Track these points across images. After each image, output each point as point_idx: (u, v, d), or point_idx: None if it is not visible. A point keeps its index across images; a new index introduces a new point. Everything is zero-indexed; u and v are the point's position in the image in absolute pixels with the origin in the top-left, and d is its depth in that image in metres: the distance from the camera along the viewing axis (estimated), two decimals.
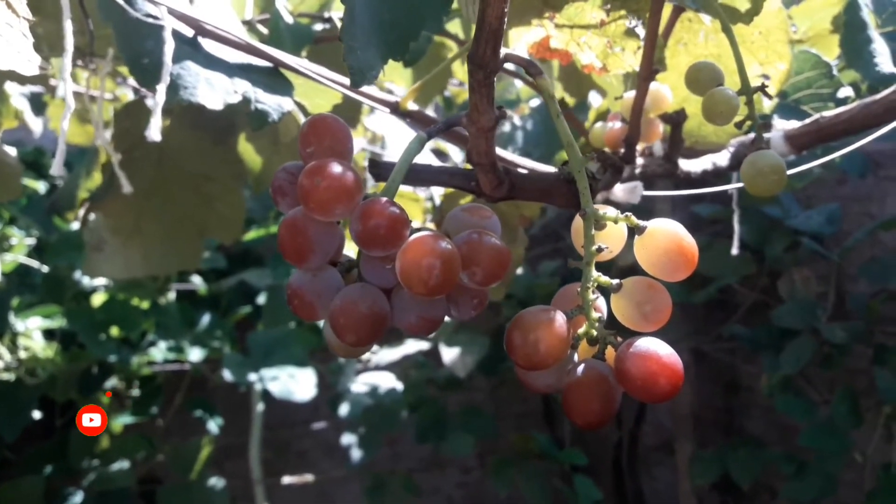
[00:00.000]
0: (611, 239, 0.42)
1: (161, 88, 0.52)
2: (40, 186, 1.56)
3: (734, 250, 1.15)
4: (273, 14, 0.74)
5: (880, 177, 2.02)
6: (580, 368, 0.40)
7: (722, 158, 0.90)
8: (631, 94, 0.71)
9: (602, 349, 0.40)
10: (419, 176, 0.55)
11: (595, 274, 0.41)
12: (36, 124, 1.29)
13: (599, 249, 0.41)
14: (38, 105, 1.24)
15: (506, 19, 0.40)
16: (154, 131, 0.52)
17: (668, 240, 0.41)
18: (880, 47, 1.16)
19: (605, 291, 0.42)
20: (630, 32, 0.64)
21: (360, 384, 1.81)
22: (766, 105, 1.16)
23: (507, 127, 1.22)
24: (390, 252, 0.40)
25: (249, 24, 0.87)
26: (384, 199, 0.40)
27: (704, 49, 0.82)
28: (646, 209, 2.09)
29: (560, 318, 0.39)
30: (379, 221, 0.39)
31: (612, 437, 2.37)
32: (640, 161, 0.79)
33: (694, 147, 0.89)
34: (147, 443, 1.73)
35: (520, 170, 0.67)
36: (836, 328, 1.67)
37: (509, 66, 0.46)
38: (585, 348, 0.41)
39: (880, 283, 1.85)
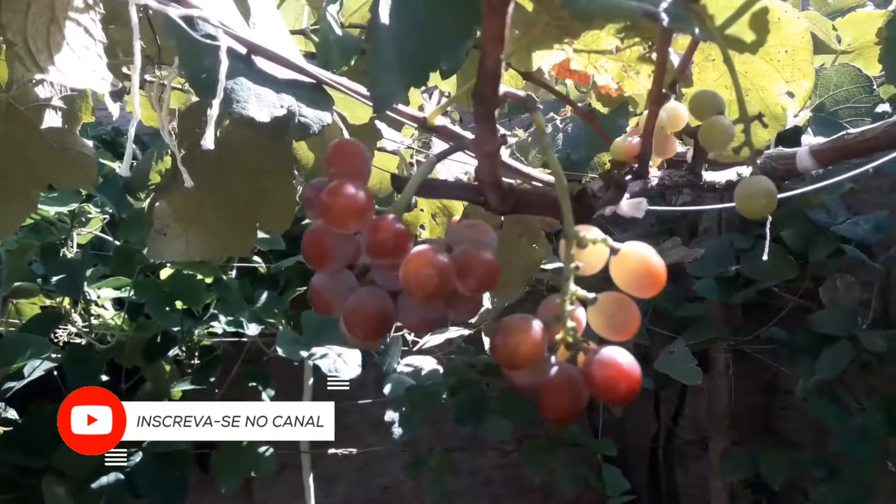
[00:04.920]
0: (593, 257, 0.48)
1: (216, 103, 0.59)
2: (116, 166, 1.66)
3: (765, 256, 1.18)
4: (322, 27, 0.81)
5: None
6: (553, 370, 0.46)
7: (747, 171, 0.94)
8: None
9: (575, 354, 0.46)
10: (436, 191, 0.62)
11: (573, 288, 0.46)
12: (114, 108, 1.40)
13: (577, 268, 0.47)
14: (116, 92, 1.35)
15: (503, 64, 0.46)
16: (208, 141, 0.59)
17: (638, 261, 0.46)
18: None
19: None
20: (644, 58, 0.69)
21: (403, 365, 1.90)
22: (800, 117, 1.19)
23: (548, 129, 1.27)
24: (396, 262, 0.46)
25: (303, 33, 0.94)
26: (392, 216, 0.46)
27: None
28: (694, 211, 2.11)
29: (537, 326, 0.44)
30: (386, 236, 0.45)
31: (650, 430, 2.40)
32: (657, 173, 0.84)
33: (717, 160, 0.93)
34: None
35: (535, 183, 0.73)
36: (876, 336, 1.67)
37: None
38: (564, 352, 0.47)
39: None
